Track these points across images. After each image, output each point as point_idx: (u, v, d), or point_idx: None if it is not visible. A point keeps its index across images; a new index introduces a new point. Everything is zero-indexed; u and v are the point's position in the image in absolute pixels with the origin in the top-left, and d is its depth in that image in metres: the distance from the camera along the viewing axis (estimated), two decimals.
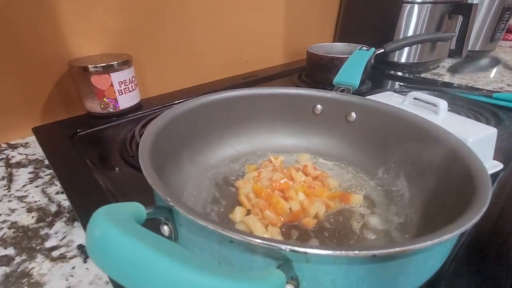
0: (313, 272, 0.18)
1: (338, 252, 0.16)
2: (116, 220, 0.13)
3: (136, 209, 0.17)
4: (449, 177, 0.29)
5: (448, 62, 1.08)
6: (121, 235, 0.13)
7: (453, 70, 1.00)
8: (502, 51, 1.26)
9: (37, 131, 0.55)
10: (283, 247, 0.17)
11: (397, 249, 0.16)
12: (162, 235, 0.22)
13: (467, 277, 0.28)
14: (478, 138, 0.39)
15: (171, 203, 0.19)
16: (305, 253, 0.16)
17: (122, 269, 0.12)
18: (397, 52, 0.91)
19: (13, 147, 0.55)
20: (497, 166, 0.43)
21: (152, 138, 0.29)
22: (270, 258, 0.18)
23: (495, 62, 1.10)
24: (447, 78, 0.92)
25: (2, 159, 0.51)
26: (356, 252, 0.16)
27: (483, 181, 0.23)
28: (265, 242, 0.17)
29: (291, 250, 0.16)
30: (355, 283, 0.18)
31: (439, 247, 0.20)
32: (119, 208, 0.15)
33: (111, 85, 0.58)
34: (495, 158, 0.44)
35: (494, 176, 0.42)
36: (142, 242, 0.12)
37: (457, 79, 0.90)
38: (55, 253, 0.34)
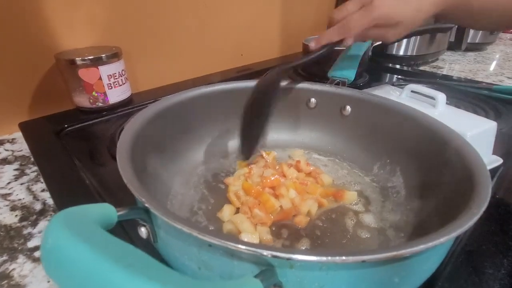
0: (298, 278, 0.16)
1: (324, 258, 0.15)
2: (74, 226, 0.12)
3: (105, 211, 0.16)
4: (447, 173, 0.28)
5: (448, 55, 1.06)
6: (75, 244, 0.11)
7: (452, 62, 0.98)
8: (502, 44, 1.24)
9: (23, 127, 0.53)
10: (264, 252, 0.15)
11: (389, 254, 0.15)
12: (140, 237, 0.21)
13: (464, 277, 0.27)
14: (477, 132, 0.38)
15: (146, 204, 0.18)
16: (288, 258, 0.15)
17: (75, 282, 0.11)
18: (396, 44, 0.89)
19: None
20: (497, 161, 0.41)
21: (134, 134, 0.27)
22: (251, 263, 0.16)
23: (495, 54, 1.08)
24: (446, 71, 0.90)
25: None
26: (344, 258, 0.15)
27: (482, 180, 0.21)
28: (245, 247, 0.15)
29: (273, 256, 0.15)
30: None
31: (434, 250, 0.19)
32: (83, 211, 0.14)
33: (100, 78, 0.56)
34: (494, 152, 0.43)
35: (494, 171, 0.41)
36: (99, 252, 0.11)
37: (456, 72, 0.88)
38: (37, 254, 0.33)
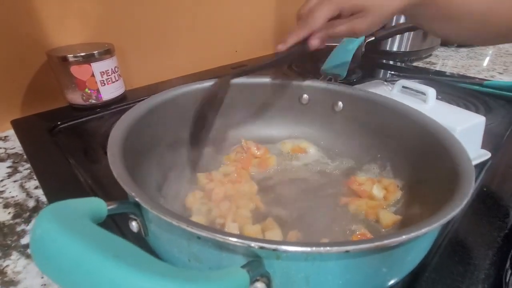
0: (285, 269, 0.17)
1: (309, 249, 0.15)
2: (63, 218, 0.12)
3: (94, 205, 0.16)
4: (434, 169, 0.28)
5: (441, 51, 1.07)
6: (64, 235, 0.11)
7: (445, 58, 0.99)
8: None
9: (16, 124, 0.53)
10: (252, 244, 0.16)
11: (371, 244, 0.16)
12: (131, 231, 0.21)
13: (451, 268, 0.28)
14: (466, 127, 0.38)
15: (136, 198, 0.18)
16: (275, 249, 0.15)
17: (63, 273, 0.11)
18: (389, 40, 0.90)
19: None
20: (485, 155, 0.42)
21: (125, 130, 0.28)
22: (240, 255, 0.17)
23: (488, 50, 1.09)
24: (439, 66, 0.91)
25: None
26: (328, 248, 0.15)
27: (467, 176, 0.22)
28: (233, 238, 0.16)
29: (260, 247, 0.15)
30: (331, 279, 0.17)
31: (418, 241, 0.19)
32: (72, 205, 0.14)
33: (92, 75, 0.55)
34: (483, 146, 0.44)
35: (482, 165, 0.41)
36: (87, 243, 0.11)
37: (449, 68, 0.89)
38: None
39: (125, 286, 0.10)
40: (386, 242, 0.16)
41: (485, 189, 0.37)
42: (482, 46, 1.08)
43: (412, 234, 0.16)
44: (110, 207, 0.17)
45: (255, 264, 0.16)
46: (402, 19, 0.87)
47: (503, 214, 0.34)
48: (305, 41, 0.37)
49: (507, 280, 0.31)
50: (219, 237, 0.16)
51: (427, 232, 0.17)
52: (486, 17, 0.34)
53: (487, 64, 0.94)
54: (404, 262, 0.20)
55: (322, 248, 0.15)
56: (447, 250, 0.30)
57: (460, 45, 1.09)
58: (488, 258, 0.29)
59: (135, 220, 0.20)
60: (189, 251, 0.18)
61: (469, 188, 0.20)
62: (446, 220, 0.17)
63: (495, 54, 1.05)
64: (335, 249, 0.15)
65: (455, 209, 0.18)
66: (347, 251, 0.15)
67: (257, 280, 0.17)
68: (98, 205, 0.16)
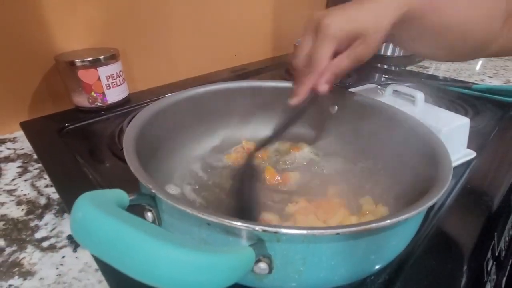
0: (284, 251, 0.19)
1: (304, 232, 0.18)
2: (98, 204, 0.15)
3: (119, 195, 0.18)
4: (419, 166, 0.31)
5: None
6: (102, 216, 0.14)
7: (438, 62, 1.02)
8: None
9: (25, 126, 0.55)
10: (256, 227, 0.18)
11: (359, 228, 0.18)
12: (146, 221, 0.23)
13: (435, 257, 0.31)
14: (451, 128, 0.41)
15: (153, 190, 0.21)
16: (275, 232, 0.18)
17: (104, 247, 0.13)
18: (383, 45, 0.93)
19: (1, 142, 0.55)
20: (471, 154, 0.45)
21: (137, 130, 0.30)
22: (245, 239, 0.19)
23: None
24: (432, 70, 0.94)
25: None
26: (321, 231, 0.18)
27: (444, 170, 0.24)
28: (239, 224, 0.18)
29: (263, 230, 0.18)
30: (324, 260, 0.20)
31: (400, 227, 0.22)
32: (102, 194, 0.17)
33: (99, 79, 0.58)
34: (470, 146, 0.46)
35: (467, 163, 0.44)
36: (121, 221, 0.14)
37: (442, 72, 0.92)
38: (45, 244, 0.35)
39: (155, 255, 0.13)
40: (371, 226, 0.18)
41: (469, 186, 0.40)
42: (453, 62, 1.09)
43: (394, 220, 0.19)
44: (131, 197, 0.19)
45: (258, 245, 0.18)
46: None
47: (485, 209, 0.37)
48: (312, 89, 0.35)
49: (488, 269, 0.34)
50: (227, 223, 0.18)
51: (407, 219, 0.19)
52: (467, 29, 0.34)
53: (478, 68, 0.97)
54: (389, 247, 0.23)
55: (316, 231, 0.18)
56: (432, 241, 0.32)
57: None
58: (470, 248, 0.32)
59: (150, 210, 0.23)
60: (200, 237, 0.21)
61: (446, 182, 0.23)
62: (422, 209, 0.20)
63: (487, 58, 1.08)
64: (328, 231, 0.18)
65: (431, 200, 0.20)
66: (337, 233, 0.18)
67: (260, 261, 0.19)
68: (121, 196, 0.18)
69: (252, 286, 0.23)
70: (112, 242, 0.13)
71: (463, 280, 0.29)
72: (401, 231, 0.22)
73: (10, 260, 0.33)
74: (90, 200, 0.15)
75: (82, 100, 0.60)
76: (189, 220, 0.21)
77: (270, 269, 0.20)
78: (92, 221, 0.14)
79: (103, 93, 0.60)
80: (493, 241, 0.36)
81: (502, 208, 0.38)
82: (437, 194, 0.21)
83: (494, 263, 0.37)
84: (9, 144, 0.54)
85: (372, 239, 0.20)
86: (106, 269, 0.30)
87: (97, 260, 0.32)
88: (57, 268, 0.32)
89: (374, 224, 0.18)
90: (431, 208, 0.36)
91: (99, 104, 0.60)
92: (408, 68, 0.95)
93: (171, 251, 0.13)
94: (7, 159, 0.50)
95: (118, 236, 0.13)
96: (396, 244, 0.23)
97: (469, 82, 0.75)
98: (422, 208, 0.20)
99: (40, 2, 0.54)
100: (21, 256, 0.33)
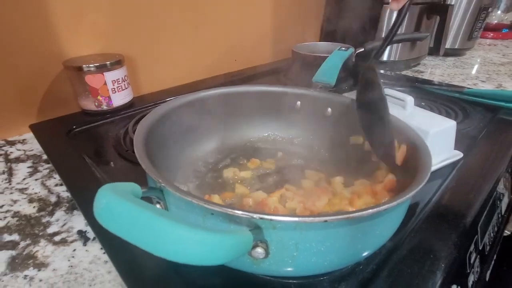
0: (279, 237, 0.22)
1: (296, 219, 0.20)
2: (118, 192, 0.17)
3: (133, 188, 0.21)
4: (410, 171, 0.33)
5: (429, 60, 1.13)
6: (123, 202, 0.16)
7: (433, 67, 1.05)
8: (481, 49, 1.31)
9: (34, 128, 0.58)
10: (254, 215, 0.21)
11: (345, 216, 0.21)
12: None
13: (420, 248, 0.33)
14: (438, 130, 0.43)
15: (162, 184, 0.23)
16: (271, 219, 0.20)
17: (126, 228, 0.16)
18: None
19: (11, 143, 0.57)
20: (458, 155, 0.48)
21: (145, 131, 0.33)
22: (245, 226, 0.22)
23: (474, 59, 1.15)
24: (427, 75, 0.97)
25: (1, 154, 0.54)
26: (311, 218, 0.20)
27: (425, 167, 0.27)
28: (239, 212, 0.21)
29: (260, 218, 0.20)
30: (314, 246, 0.22)
31: (384, 216, 0.24)
32: (120, 186, 0.19)
33: (105, 83, 0.61)
34: (458, 148, 0.49)
35: (454, 164, 0.47)
36: (140, 207, 0.16)
37: (436, 76, 0.95)
38: (57, 238, 0.37)
39: (171, 234, 0.15)
40: (356, 214, 0.21)
41: (455, 184, 0.43)
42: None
43: (376, 209, 0.21)
44: (143, 190, 0.22)
45: (256, 231, 0.21)
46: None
47: (468, 205, 0.39)
48: None
49: (471, 261, 0.36)
50: (229, 211, 0.21)
51: (387, 209, 0.22)
52: None
53: (471, 72, 1.00)
54: (375, 236, 0.25)
55: (306, 218, 0.20)
56: (418, 233, 0.35)
57: (447, 54, 1.15)
58: (454, 241, 0.35)
59: (159, 202, 0.25)
60: (204, 226, 0.23)
61: (425, 177, 0.25)
62: (401, 201, 0.22)
63: (480, 63, 1.11)
64: (316, 219, 0.20)
65: (411, 192, 0.23)
66: (325, 221, 0.20)
67: (257, 246, 0.22)
68: (135, 188, 0.21)
69: (250, 271, 0.25)
70: (132, 223, 0.16)
71: (446, 270, 0.31)
72: (384, 220, 0.25)
73: (24, 253, 0.35)
74: (111, 189, 0.17)
75: (88, 104, 0.62)
76: (194, 210, 0.23)
77: (267, 254, 0.22)
78: (116, 206, 0.16)
79: (109, 97, 0.62)
80: (476, 236, 0.39)
81: (486, 204, 0.40)
82: (415, 188, 0.23)
83: (478, 256, 0.40)
84: (18, 146, 0.57)
85: (358, 228, 0.23)
86: (116, 259, 0.33)
87: (107, 252, 0.34)
88: (68, 260, 0.34)
89: (357, 213, 0.21)
90: (417, 204, 0.39)
91: (104, 107, 0.63)
92: (403, 72, 0.98)
93: (181, 230, 0.15)
94: (18, 160, 0.52)
95: (137, 218, 0.16)
96: (380, 233, 0.25)
97: (461, 87, 0.78)
98: (401, 200, 0.22)
99: (49, 10, 0.57)
100: (34, 250, 0.36)
